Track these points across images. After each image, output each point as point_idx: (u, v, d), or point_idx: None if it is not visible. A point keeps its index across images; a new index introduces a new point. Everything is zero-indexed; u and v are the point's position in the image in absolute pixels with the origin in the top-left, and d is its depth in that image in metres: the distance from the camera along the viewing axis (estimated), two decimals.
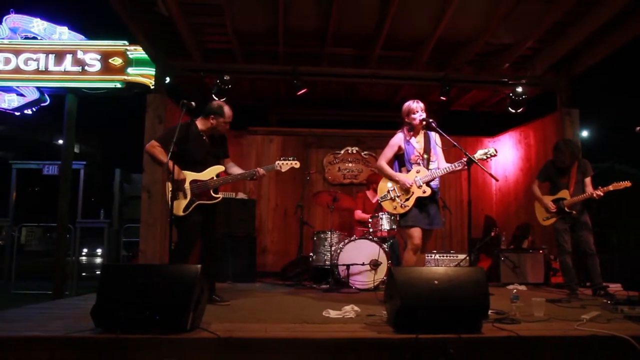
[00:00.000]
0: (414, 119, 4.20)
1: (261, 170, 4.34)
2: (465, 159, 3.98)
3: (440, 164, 4.27)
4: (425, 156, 4.22)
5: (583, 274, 5.46)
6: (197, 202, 4.18)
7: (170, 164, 3.93)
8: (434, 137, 4.37)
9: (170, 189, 4.00)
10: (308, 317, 3.54)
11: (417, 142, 4.27)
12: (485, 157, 4.04)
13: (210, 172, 4.29)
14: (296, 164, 4.48)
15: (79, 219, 9.03)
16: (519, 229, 7.22)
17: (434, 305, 2.91)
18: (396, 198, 4.16)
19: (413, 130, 4.26)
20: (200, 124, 4.36)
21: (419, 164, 4.19)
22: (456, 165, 4.08)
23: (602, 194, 5.01)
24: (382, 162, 4.29)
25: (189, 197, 4.16)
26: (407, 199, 4.12)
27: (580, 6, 5.61)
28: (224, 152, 4.53)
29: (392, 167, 4.30)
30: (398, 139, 4.28)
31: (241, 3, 5.70)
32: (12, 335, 2.83)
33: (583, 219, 5.17)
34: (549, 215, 5.29)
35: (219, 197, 4.32)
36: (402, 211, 4.16)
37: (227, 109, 4.37)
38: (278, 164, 4.45)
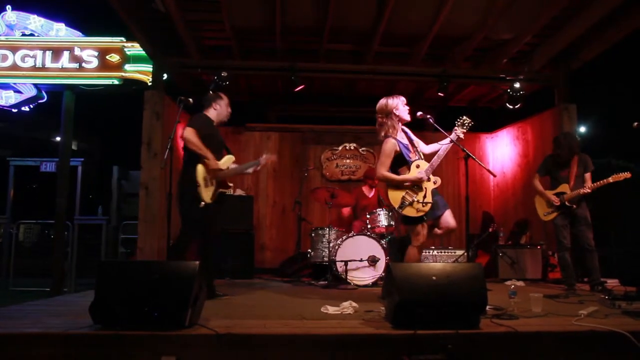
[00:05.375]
0: (404, 111, 4.16)
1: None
2: (448, 139, 4.06)
3: (422, 149, 4.23)
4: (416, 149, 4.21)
5: (581, 269, 5.46)
6: (220, 190, 4.30)
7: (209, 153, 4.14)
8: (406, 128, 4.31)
9: (203, 176, 4.08)
10: (306, 313, 3.54)
11: (403, 138, 4.21)
12: (465, 129, 4.07)
13: (226, 162, 4.41)
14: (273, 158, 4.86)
15: (76, 216, 9.02)
16: (517, 225, 7.24)
17: (432, 301, 2.92)
18: (414, 201, 3.98)
19: (399, 126, 4.18)
20: (210, 115, 4.46)
21: (415, 158, 4.15)
22: (442, 144, 4.10)
23: (589, 190, 5.02)
24: (384, 171, 4.08)
25: (214, 185, 4.26)
26: (425, 196, 3.98)
27: (578, 1, 5.60)
28: None
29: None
30: (392, 144, 4.09)
31: None
32: (11, 332, 2.83)
33: (582, 214, 5.16)
34: (550, 211, 5.27)
35: (231, 185, 4.51)
36: (426, 209, 3.99)
37: (222, 94, 4.58)
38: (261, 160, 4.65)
